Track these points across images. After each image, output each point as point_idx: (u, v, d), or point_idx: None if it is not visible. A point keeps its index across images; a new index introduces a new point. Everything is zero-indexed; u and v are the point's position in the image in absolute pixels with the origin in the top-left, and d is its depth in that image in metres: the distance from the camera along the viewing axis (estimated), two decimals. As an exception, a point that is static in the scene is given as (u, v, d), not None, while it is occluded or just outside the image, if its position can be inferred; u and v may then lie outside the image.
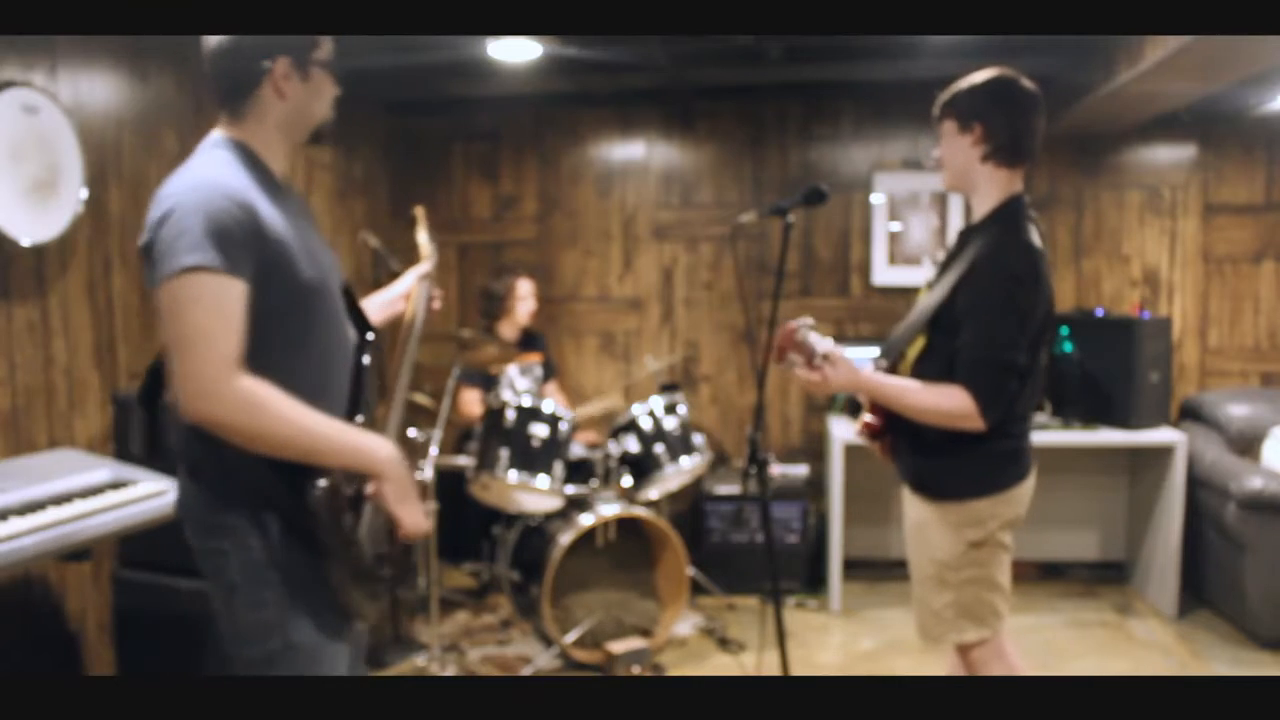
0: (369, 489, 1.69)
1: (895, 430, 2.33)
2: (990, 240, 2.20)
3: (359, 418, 1.76)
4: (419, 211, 2.38)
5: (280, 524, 1.65)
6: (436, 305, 2.17)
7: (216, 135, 1.72)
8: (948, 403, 2.14)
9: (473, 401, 4.23)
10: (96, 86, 3.07)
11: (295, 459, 1.60)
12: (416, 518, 1.72)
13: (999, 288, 2.14)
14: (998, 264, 2.16)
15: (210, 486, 1.67)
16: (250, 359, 1.58)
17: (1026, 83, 2.25)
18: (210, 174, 1.61)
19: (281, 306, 1.64)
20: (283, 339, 1.65)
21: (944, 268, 2.31)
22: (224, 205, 1.56)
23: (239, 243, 1.56)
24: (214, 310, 1.53)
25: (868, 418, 2.37)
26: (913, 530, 2.37)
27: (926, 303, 2.28)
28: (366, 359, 1.84)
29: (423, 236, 2.27)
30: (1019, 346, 2.15)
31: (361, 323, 1.89)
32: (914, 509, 2.36)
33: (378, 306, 2.10)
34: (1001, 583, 2.31)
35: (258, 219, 1.60)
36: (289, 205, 1.74)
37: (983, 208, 2.28)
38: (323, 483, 1.61)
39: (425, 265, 2.19)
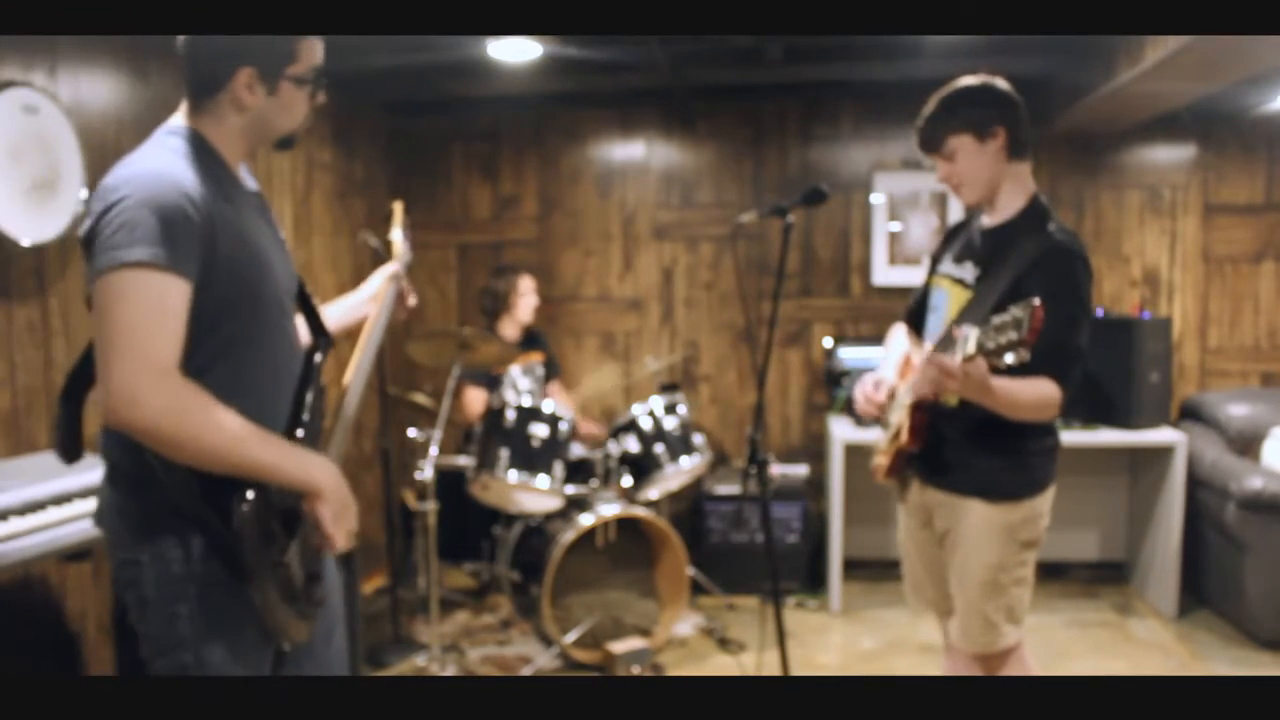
0: (306, 506, 1.59)
1: (941, 442, 2.32)
2: (1046, 232, 2.23)
3: (300, 432, 1.65)
4: (397, 207, 2.27)
5: (202, 540, 1.54)
6: (411, 303, 2.08)
7: (174, 122, 1.63)
8: (1036, 393, 2.15)
9: (476, 400, 4.22)
10: (96, 86, 3.07)
11: (226, 473, 1.48)
12: (347, 539, 1.63)
13: (1073, 276, 2.19)
14: (1067, 253, 2.20)
15: (129, 495, 1.58)
16: (187, 363, 1.48)
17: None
18: (162, 165, 1.51)
19: (224, 309, 1.54)
20: (222, 343, 1.56)
21: (984, 266, 2.29)
22: (174, 199, 1.46)
23: (187, 239, 1.46)
24: (152, 309, 1.42)
25: (906, 442, 2.32)
26: (961, 539, 2.33)
27: (979, 302, 2.25)
28: (317, 370, 1.73)
29: (397, 234, 2.18)
30: (1086, 333, 2.20)
31: (319, 331, 1.79)
32: (968, 515, 2.31)
33: (343, 311, 2.00)
34: (1031, 582, 2.36)
35: (208, 216, 1.50)
36: (244, 202, 1.65)
37: (1013, 204, 2.30)
38: (249, 500, 1.49)
39: (395, 265, 2.08)
